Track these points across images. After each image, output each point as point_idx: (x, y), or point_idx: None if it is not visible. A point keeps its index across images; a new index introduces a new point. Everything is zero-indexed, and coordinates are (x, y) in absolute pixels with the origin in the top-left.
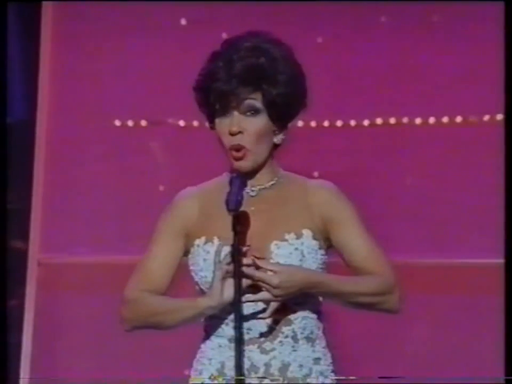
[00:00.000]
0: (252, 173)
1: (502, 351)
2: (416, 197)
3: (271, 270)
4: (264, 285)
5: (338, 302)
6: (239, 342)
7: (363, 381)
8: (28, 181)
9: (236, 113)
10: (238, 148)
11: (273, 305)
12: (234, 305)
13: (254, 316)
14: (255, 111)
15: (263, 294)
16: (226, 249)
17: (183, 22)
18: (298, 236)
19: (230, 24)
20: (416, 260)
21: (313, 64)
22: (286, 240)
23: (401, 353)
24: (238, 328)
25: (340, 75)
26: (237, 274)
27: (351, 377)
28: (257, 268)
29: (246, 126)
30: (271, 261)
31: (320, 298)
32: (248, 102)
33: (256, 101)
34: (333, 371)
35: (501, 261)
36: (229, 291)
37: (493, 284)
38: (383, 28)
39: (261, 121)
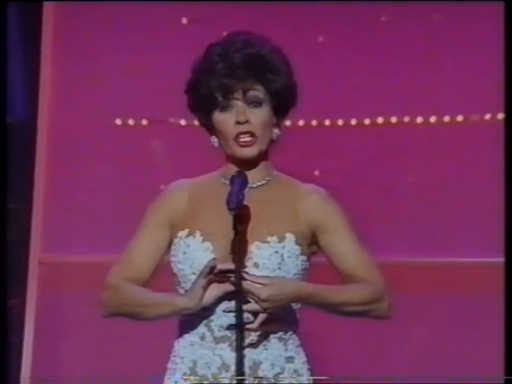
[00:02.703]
0: (246, 170)
1: (502, 351)
2: (416, 196)
3: (260, 283)
4: (253, 297)
5: (327, 311)
6: (240, 344)
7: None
8: (28, 180)
9: (240, 103)
10: (246, 134)
11: (262, 316)
12: (236, 311)
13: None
14: (258, 102)
15: (252, 305)
16: (220, 259)
17: (184, 21)
18: (281, 239)
19: (231, 23)
20: (416, 259)
21: (314, 63)
22: (268, 242)
23: (401, 353)
24: (239, 332)
25: (341, 74)
26: (238, 274)
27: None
28: (244, 279)
29: (251, 117)
30: (250, 261)
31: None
32: (252, 93)
33: (259, 91)
34: (309, 369)
35: (501, 259)
36: (208, 297)
37: (493, 283)
38: (383, 27)
39: (264, 112)
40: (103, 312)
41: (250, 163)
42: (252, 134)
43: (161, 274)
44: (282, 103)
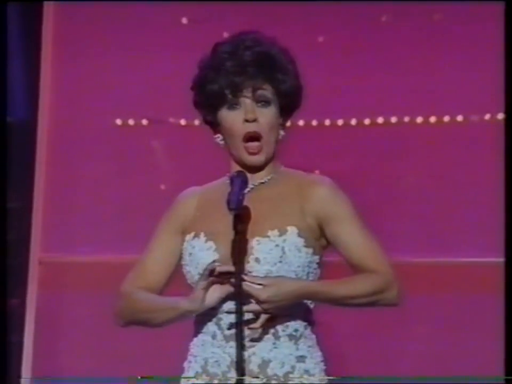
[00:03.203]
0: (251, 170)
1: (502, 351)
2: (416, 196)
3: (259, 284)
4: (252, 298)
5: (334, 305)
6: (240, 345)
7: (358, 381)
8: (29, 179)
9: (248, 101)
10: (256, 137)
11: (264, 316)
12: (237, 312)
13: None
14: (266, 102)
15: (253, 306)
16: (222, 258)
17: (184, 21)
18: (282, 233)
19: (231, 23)
20: (416, 259)
21: (314, 63)
22: (268, 237)
23: (401, 353)
24: (239, 332)
25: (341, 74)
26: (238, 275)
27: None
28: (244, 280)
29: (259, 116)
30: (252, 256)
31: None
32: (261, 92)
33: (267, 91)
34: (323, 370)
35: (501, 259)
36: (211, 298)
37: (493, 282)
38: (384, 27)
39: (272, 112)
40: (118, 321)
41: (262, 165)
42: (259, 137)
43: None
44: (289, 104)
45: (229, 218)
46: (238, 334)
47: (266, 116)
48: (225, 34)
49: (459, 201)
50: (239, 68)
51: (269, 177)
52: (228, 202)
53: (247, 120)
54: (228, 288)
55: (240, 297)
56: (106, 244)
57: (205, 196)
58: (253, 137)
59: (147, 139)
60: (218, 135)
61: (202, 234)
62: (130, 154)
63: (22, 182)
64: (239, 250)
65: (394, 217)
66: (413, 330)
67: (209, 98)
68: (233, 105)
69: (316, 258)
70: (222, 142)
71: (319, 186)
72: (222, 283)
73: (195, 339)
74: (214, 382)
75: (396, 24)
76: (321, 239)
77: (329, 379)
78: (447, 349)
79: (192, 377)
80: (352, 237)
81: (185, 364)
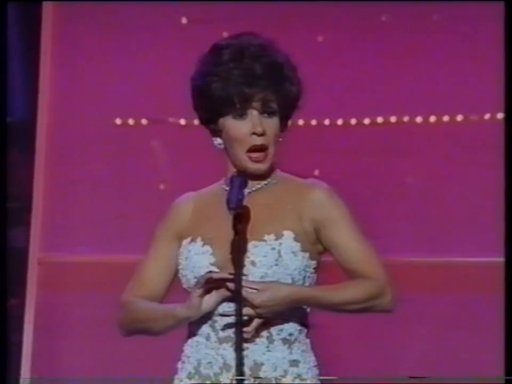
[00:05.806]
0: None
1: (502, 351)
2: (416, 196)
3: (254, 288)
4: (247, 303)
5: (329, 311)
6: (239, 344)
7: (354, 381)
8: (28, 179)
9: (255, 113)
10: (262, 148)
11: (257, 321)
12: (231, 315)
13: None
14: (271, 112)
15: (247, 310)
16: (219, 262)
17: (183, 21)
18: (278, 237)
19: (230, 23)
20: (416, 259)
21: (313, 63)
22: (264, 240)
23: (401, 353)
24: (239, 332)
25: (341, 74)
26: (239, 276)
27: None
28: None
29: (266, 127)
30: (247, 259)
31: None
32: (269, 104)
33: (272, 102)
34: (317, 375)
35: (501, 259)
36: (207, 303)
37: (493, 282)
38: (383, 27)
39: (276, 122)
40: (120, 331)
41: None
42: (265, 149)
43: None
44: (291, 111)
45: (225, 222)
46: (237, 336)
47: (272, 126)
48: (225, 34)
49: (459, 201)
50: (249, 79)
51: (265, 182)
52: (228, 202)
53: (255, 133)
54: (223, 293)
55: (240, 298)
56: (106, 244)
57: (200, 200)
58: (258, 148)
59: (147, 139)
60: (217, 138)
61: (199, 239)
62: (130, 154)
63: (22, 182)
64: (238, 251)
65: (393, 217)
66: (412, 330)
67: (216, 106)
68: (239, 115)
69: (313, 263)
70: (221, 147)
71: (315, 190)
72: (217, 288)
73: (189, 340)
74: (206, 383)
75: (395, 24)
76: (317, 244)
77: (321, 379)
78: (447, 349)
79: (185, 378)
80: (347, 241)
81: (179, 365)
